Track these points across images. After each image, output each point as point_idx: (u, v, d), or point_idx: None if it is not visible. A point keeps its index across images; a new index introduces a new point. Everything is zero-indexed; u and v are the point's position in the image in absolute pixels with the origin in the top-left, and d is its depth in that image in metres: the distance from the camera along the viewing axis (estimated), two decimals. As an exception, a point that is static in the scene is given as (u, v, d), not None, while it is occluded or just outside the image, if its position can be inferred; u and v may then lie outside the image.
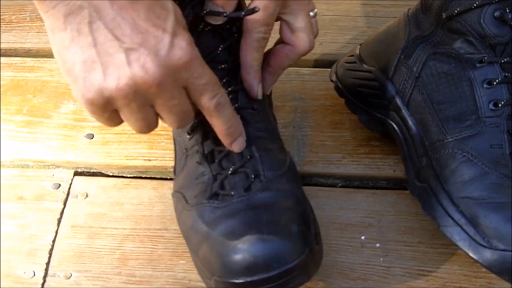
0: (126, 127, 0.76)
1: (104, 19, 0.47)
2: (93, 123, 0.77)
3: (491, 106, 0.60)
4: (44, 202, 0.71)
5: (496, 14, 0.60)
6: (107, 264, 0.66)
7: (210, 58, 0.58)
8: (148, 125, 0.53)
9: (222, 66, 0.60)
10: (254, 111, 0.62)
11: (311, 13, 0.60)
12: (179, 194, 0.62)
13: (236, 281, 0.53)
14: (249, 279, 0.52)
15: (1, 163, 0.75)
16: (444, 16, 0.62)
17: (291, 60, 0.61)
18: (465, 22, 0.61)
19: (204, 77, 0.51)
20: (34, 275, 0.65)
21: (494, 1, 0.59)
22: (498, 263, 0.55)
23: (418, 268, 0.64)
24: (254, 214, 0.55)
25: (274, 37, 0.61)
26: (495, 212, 0.56)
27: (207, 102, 0.53)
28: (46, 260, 0.66)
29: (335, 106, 0.77)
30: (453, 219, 0.58)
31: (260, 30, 0.57)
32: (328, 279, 0.63)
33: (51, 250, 0.67)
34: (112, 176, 0.74)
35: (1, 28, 0.90)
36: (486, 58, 0.61)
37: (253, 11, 0.56)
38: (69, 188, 0.72)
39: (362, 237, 0.66)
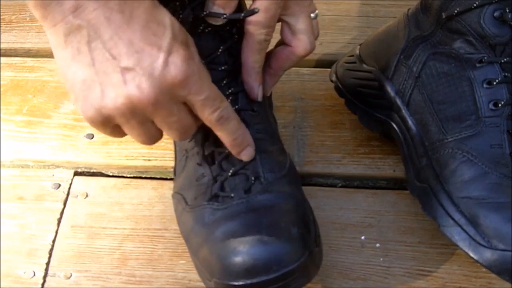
0: (126, 127, 0.77)
1: (102, 39, 0.47)
2: (93, 123, 0.77)
3: (491, 106, 0.60)
4: (44, 202, 0.71)
5: (496, 14, 0.60)
6: (107, 264, 0.66)
7: (210, 59, 0.58)
8: (150, 138, 0.54)
9: (222, 67, 0.60)
10: (254, 113, 0.62)
11: (312, 15, 0.60)
12: (179, 196, 0.62)
13: (236, 283, 0.53)
14: (249, 281, 0.52)
15: (1, 163, 0.75)
16: (444, 16, 0.62)
17: (292, 62, 0.61)
18: (465, 22, 0.61)
19: (203, 93, 0.51)
20: (34, 275, 0.65)
21: (494, 1, 0.59)
22: (498, 263, 0.55)
23: (418, 268, 0.64)
24: (254, 216, 0.55)
25: (276, 37, 0.60)
26: (495, 212, 0.56)
27: (208, 117, 0.53)
28: (46, 260, 0.66)
29: (335, 106, 0.77)
30: (453, 219, 0.58)
31: (262, 32, 0.57)
32: (328, 279, 0.63)
33: (51, 250, 0.67)
34: (112, 176, 0.74)
35: (1, 28, 0.90)
36: (486, 58, 0.61)
37: (253, 12, 0.56)
38: (69, 188, 0.72)
39: (362, 237, 0.66)
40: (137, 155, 0.74)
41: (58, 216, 0.70)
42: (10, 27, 0.90)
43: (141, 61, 0.48)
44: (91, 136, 0.76)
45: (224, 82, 0.60)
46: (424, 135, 0.64)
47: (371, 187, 0.72)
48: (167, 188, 0.71)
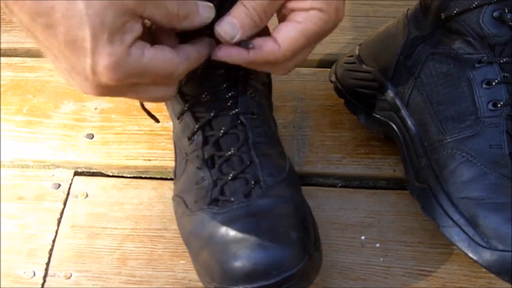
0: (126, 127, 0.77)
1: (42, 43, 0.46)
2: (93, 123, 0.77)
3: (490, 106, 0.60)
4: (44, 202, 0.71)
5: (495, 14, 0.59)
6: (107, 264, 0.66)
7: (208, 62, 0.57)
8: (160, 98, 0.52)
9: (221, 71, 0.60)
10: (254, 116, 0.62)
11: None
12: (179, 199, 0.62)
13: (236, 287, 0.53)
14: (248, 286, 0.52)
15: (1, 163, 0.75)
16: (443, 17, 0.62)
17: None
18: (464, 22, 0.61)
19: (147, 76, 0.47)
20: (34, 275, 0.65)
21: (493, 1, 0.59)
22: (497, 263, 0.55)
23: (418, 268, 0.64)
24: (254, 221, 0.55)
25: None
26: (494, 213, 0.56)
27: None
28: (46, 260, 0.66)
29: (335, 106, 0.77)
30: (452, 219, 0.58)
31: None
32: (328, 279, 0.63)
33: (51, 250, 0.67)
34: (112, 176, 0.74)
35: (1, 28, 0.90)
36: (485, 58, 0.61)
37: (247, 46, 0.51)
38: (69, 188, 0.72)
39: (362, 237, 0.66)
40: (137, 155, 0.74)
41: (58, 216, 0.70)
42: (10, 27, 0.90)
43: (74, 67, 0.45)
44: (91, 136, 0.76)
45: (224, 86, 0.60)
46: (423, 136, 0.64)
47: (371, 187, 0.72)
48: (167, 188, 0.71)
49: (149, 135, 0.76)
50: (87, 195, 0.71)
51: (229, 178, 0.58)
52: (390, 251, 0.65)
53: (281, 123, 0.73)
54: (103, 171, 0.74)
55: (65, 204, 0.71)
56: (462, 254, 0.58)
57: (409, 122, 0.65)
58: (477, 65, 0.61)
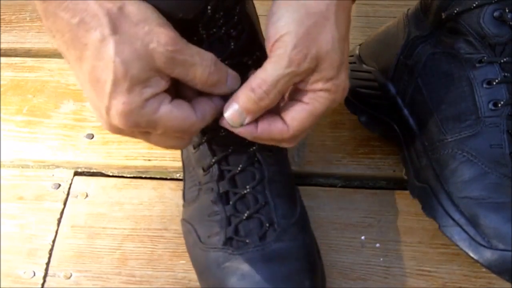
0: (126, 127, 0.77)
1: (74, 70, 0.47)
2: (93, 123, 0.77)
3: (490, 106, 0.60)
4: (44, 202, 0.71)
5: (496, 14, 0.60)
6: (107, 264, 0.66)
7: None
8: (173, 147, 0.52)
9: None
10: (270, 153, 0.61)
11: None
12: (189, 226, 0.62)
13: None
14: None
15: (1, 163, 0.75)
16: (443, 16, 0.62)
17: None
18: (465, 22, 0.61)
19: (159, 129, 0.47)
20: (34, 275, 0.65)
21: (493, 1, 0.59)
22: (498, 263, 0.55)
23: (418, 268, 0.64)
24: (270, 268, 0.56)
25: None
26: (495, 212, 0.56)
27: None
28: (46, 260, 0.66)
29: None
30: (453, 219, 0.58)
31: None
32: (328, 279, 0.63)
33: (51, 250, 0.67)
34: (112, 176, 0.74)
35: (1, 28, 0.90)
36: (485, 58, 0.61)
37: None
38: (69, 188, 0.72)
39: (362, 237, 0.66)
40: (137, 155, 0.74)
41: (58, 216, 0.70)
42: (10, 27, 0.90)
43: (94, 104, 0.47)
44: (91, 136, 0.76)
45: None
46: (424, 135, 0.64)
47: (371, 187, 0.71)
48: (167, 188, 0.71)
49: (149, 135, 0.76)
50: (87, 195, 0.71)
51: (244, 217, 0.59)
52: (390, 251, 0.65)
53: (281, 123, 0.73)
54: (103, 171, 0.74)
55: (65, 204, 0.71)
56: (462, 254, 0.58)
57: (410, 122, 0.65)
58: (477, 65, 0.61)
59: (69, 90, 0.81)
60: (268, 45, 0.47)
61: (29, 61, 0.86)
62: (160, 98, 0.46)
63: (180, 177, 0.72)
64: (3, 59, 0.86)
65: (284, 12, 0.46)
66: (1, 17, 0.91)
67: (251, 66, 0.52)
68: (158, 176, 0.73)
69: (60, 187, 0.72)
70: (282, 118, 0.50)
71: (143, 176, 0.74)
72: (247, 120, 0.49)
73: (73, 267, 0.65)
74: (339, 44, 0.47)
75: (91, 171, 0.74)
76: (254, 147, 0.60)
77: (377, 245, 0.66)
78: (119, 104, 0.45)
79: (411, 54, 0.66)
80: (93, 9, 0.43)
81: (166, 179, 0.73)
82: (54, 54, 0.85)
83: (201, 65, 0.46)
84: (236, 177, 0.60)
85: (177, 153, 0.67)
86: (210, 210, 0.60)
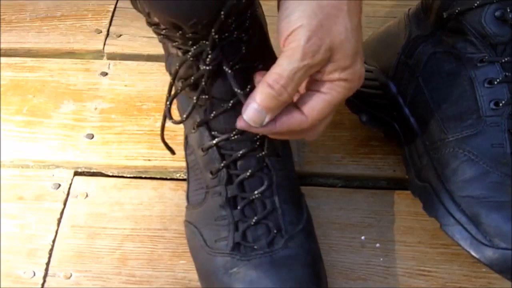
0: (126, 127, 0.77)
1: None
2: (93, 123, 0.77)
3: (492, 105, 0.60)
4: (44, 202, 0.71)
5: (497, 13, 0.60)
6: (107, 264, 0.66)
7: (236, 100, 0.56)
8: None
9: None
10: (278, 158, 0.61)
11: None
12: (194, 228, 0.62)
13: None
14: None
15: (1, 163, 0.75)
16: (445, 16, 0.62)
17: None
18: (466, 22, 0.61)
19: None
20: (34, 275, 0.65)
21: (494, 1, 0.59)
22: (499, 261, 0.55)
23: (418, 268, 0.64)
24: (278, 275, 0.56)
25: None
26: (496, 211, 0.56)
27: None
28: (46, 260, 0.66)
29: (335, 106, 0.77)
30: (454, 218, 0.58)
31: None
32: (328, 279, 0.63)
33: (51, 250, 0.67)
34: (112, 176, 0.74)
35: (1, 28, 0.89)
36: (487, 57, 0.61)
37: None
38: (69, 188, 0.72)
39: (362, 237, 0.66)
40: (137, 155, 0.74)
41: (58, 216, 0.70)
42: (10, 27, 0.90)
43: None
44: (91, 136, 0.76)
45: None
46: (425, 135, 0.64)
47: (371, 187, 0.72)
48: (167, 188, 0.71)
49: (149, 135, 0.76)
50: (87, 195, 0.71)
51: (252, 223, 0.59)
52: (390, 251, 0.65)
53: (281, 123, 0.73)
54: (103, 171, 0.74)
55: (65, 204, 0.71)
56: (462, 254, 0.58)
57: (411, 121, 0.66)
58: (479, 64, 0.61)
59: (69, 90, 0.81)
60: (281, 40, 0.48)
61: (29, 61, 0.85)
62: None
63: (180, 177, 0.72)
64: (3, 59, 0.86)
65: (296, 6, 0.46)
66: (1, 17, 0.91)
67: (261, 70, 0.52)
68: (158, 176, 0.73)
69: (60, 187, 0.72)
70: (299, 109, 0.50)
71: (143, 176, 0.74)
72: (268, 118, 0.49)
73: (73, 267, 0.65)
74: (353, 34, 0.48)
75: (91, 171, 0.74)
76: (263, 152, 0.60)
77: (377, 245, 0.66)
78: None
79: (412, 53, 0.66)
80: None
81: (166, 179, 0.73)
82: (54, 54, 0.85)
83: None
84: (244, 182, 0.60)
85: (177, 153, 0.67)
86: (218, 214, 0.60)
